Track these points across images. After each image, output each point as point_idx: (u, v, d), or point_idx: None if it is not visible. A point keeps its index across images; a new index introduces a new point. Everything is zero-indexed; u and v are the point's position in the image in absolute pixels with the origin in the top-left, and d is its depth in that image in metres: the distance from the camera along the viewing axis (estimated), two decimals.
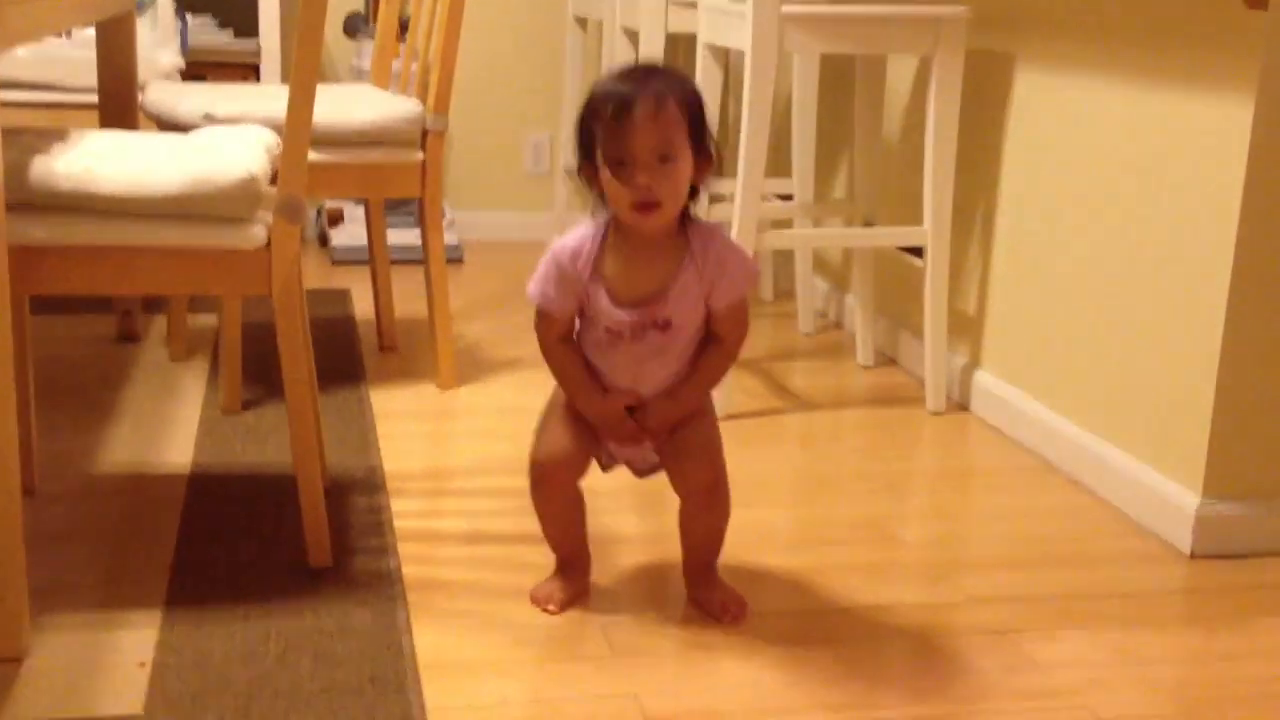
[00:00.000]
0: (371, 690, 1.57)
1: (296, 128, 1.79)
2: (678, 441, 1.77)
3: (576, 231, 1.74)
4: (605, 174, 1.65)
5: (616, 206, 1.66)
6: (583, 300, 1.72)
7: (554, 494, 1.81)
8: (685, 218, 1.71)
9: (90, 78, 2.85)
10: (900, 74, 3.02)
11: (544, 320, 1.75)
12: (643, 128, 1.61)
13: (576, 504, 1.84)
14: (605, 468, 1.85)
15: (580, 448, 1.79)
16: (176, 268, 1.77)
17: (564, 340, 1.76)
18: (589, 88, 1.71)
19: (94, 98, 2.83)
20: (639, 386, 1.74)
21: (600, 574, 1.91)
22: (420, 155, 2.61)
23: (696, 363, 1.75)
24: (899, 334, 3.05)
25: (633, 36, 3.32)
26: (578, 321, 1.76)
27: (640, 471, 1.85)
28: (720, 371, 1.77)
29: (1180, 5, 2.10)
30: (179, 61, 3.23)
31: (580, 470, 1.80)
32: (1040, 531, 2.17)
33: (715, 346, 1.75)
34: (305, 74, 1.77)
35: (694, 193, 1.71)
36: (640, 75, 1.66)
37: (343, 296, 3.44)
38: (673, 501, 1.81)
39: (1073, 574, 2.01)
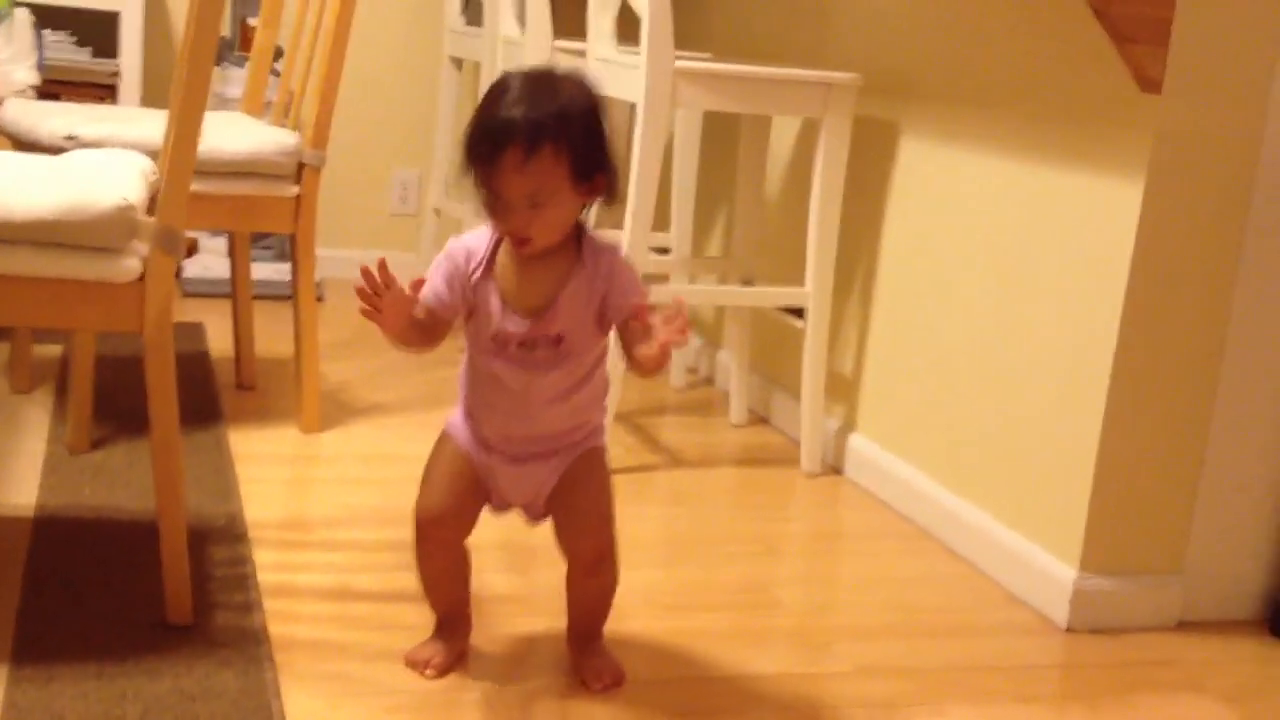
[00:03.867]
0: None
1: (180, 156, 1.69)
2: (568, 506, 1.69)
3: (476, 231, 1.65)
4: (483, 198, 1.57)
5: (495, 229, 1.60)
6: (471, 303, 1.63)
7: (438, 551, 1.72)
8: (580, 231, 1.63)
9: None
10: (784, 133, 3.03)
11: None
12: (511, 175, 1.53)
13: (461, 563, 1.76)
14: (497, 511, 1.75)
15: (468, 500, 1.70)
16: (42, 299, 1.64)
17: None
18: (482, 95, 1.60)
19: None
20: (529, 405, 1.63)
21: (481, 636, 1.82)
22: (295, 189, 2.51)
23: None
24: (773, 393, 3.04)
25: None
26: (465, 340, 1.67)
27: (534, 518, 1.75)
28: None
29: (1072, 83, 2.14)
30: (35, 79, 3.07)
31: (467, 527, 1.72)
32: (920, 600, 2.16)
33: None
34: (193, 101, 1.68)
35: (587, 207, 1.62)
36: (523, 100, 1.53)
37: (196, 330, 3.30)
38: (559, 558, 1.74)
39: (954, 645, 2.00)
